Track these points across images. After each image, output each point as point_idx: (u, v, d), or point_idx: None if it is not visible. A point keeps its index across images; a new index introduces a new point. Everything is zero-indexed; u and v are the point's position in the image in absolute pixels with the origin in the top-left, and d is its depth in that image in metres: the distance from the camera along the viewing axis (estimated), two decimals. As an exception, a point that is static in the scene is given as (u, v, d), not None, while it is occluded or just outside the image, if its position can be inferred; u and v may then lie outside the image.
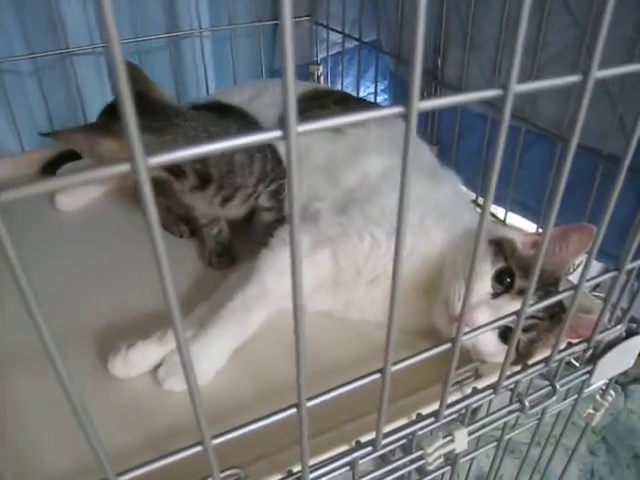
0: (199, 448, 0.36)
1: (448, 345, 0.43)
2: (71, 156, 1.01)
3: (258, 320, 0.66)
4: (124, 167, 0.23)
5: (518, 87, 0.32)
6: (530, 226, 0.95)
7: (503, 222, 0.90)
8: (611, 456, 1.36)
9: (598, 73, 0.34)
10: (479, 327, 0.46)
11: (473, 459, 1.13)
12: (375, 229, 0.67)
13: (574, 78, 0.35)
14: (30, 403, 0.61)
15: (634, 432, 1.39)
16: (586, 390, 0.70)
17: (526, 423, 0.76)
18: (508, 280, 0.62)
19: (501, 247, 0.64)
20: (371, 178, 0.74)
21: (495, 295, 0.61)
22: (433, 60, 0.97)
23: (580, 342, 0.60)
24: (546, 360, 0.57)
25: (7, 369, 0.65)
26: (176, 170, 0.70)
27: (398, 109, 0.29)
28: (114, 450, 0.33)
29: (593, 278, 0.50)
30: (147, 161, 0.23)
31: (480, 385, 0.57)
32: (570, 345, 0.60)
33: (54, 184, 0.22)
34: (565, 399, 0.73)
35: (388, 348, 0.38)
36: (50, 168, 1.00)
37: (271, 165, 0.77)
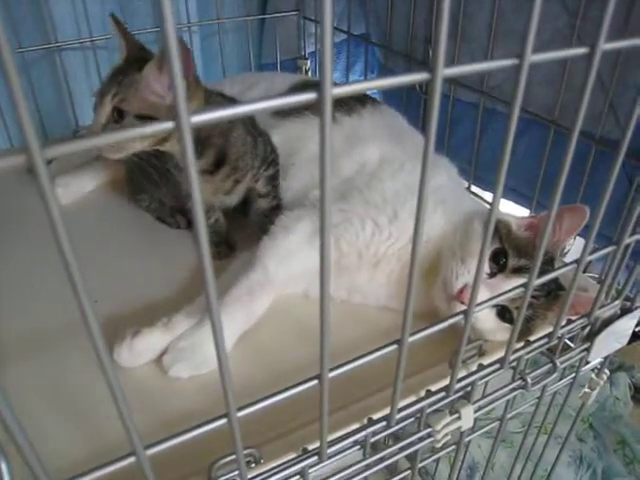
0: (224, 421, 0.36)
1: (460, 317, 0.44)
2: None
3: (263, 306, 0.66)
4: (168, 125, 0.23)
5: (534, 57, 0.33)
6: (521, 212, 0.96)
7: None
8: (598, 442, 1.38)
9: (607, 45, 0.35)
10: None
11: (467, 448, 1.14)
12: (377, 214, 0.68)
13: (582, 50, 0.36)
14: (30, 390, 0.60)
15: (619, 418, 1.42)
16: (583, 368, 0.72)
17: (523, 404, 0.78)
18: (503, 260, 0.64)
19: (497, 229, 0.65)
20: (369, 166, 0.75)
21: (491, 275, 0.63)
22: (424, 50, 0.98)
23: (579, 318, 0.62)
24: (549, 336, 0.59)
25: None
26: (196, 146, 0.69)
27: (423, 75, 0.30)
28: (124, 436, 0.33)
29: (594, 252, 0.52)
30: (190, 119, 0.23)
31: (484, 362, 0.58)
32: (570, 322, 0.62)
33: (98, 140, 0.23)
34: (561, 380, 0.74)
35: (406, 319, 0.39)
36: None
37: (270, 148, 0.78)
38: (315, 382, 0.38)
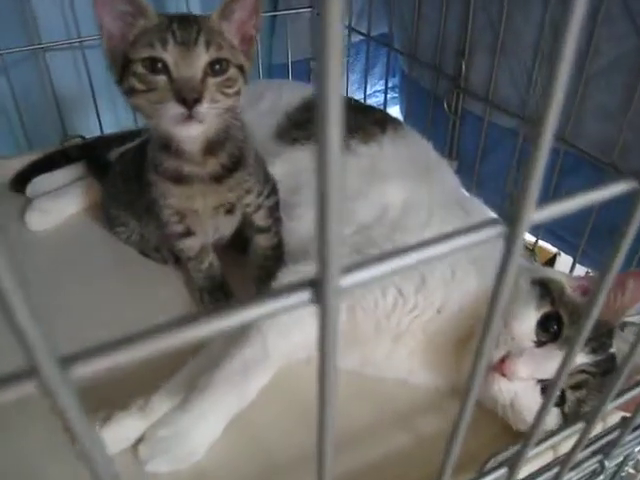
0: None
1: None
2: (44, 167, 0.90)
3: (258, 385, 0.56)
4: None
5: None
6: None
7: (532, 251, 0.80)
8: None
9: None
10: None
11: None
12: (402, 281, 0.57)
13: None
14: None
15: None
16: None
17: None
18: (555, 327, 0.54)
19: (547, 289, 0.56)
20: (391, 212, 0.64)
21: (539, 344, 0.54)
22: (456, 64, 0.85)
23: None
24: (620, 433, 0.47)
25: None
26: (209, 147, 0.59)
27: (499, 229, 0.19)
28: None
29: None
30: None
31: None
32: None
33: None
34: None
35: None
36: (20, 180, 0.89)
37: (268, 176, 0.68)
38: None
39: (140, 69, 0.51)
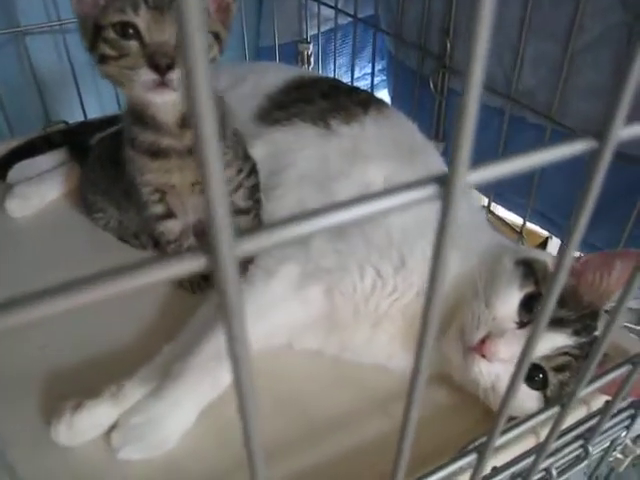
0: None
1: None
2: (25, 153, 0.88)
3: (234, 372, 0.54)
4: None
5: None
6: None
7: (520, 234, 0.78)
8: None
9: None
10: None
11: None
12: (380, 262, 0.56)
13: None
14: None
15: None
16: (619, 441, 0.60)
17: None
18: (538, 308, 0.52)
19: (532, 269, 0.55)
20: (373, 191, 0.62)
21: (522, 324, 0.52)
22: (441, 43, 0.83)
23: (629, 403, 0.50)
24: (599, 420, 0.46)
25: None
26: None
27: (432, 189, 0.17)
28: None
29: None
30: None
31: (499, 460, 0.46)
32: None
33: None
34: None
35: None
36: (1, 167, 0.87)
37: (248, 155, 0.66)
38: None
39: (111, 34, 0.49)
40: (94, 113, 1.02)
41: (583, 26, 0.61)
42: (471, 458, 0.34)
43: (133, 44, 0.49)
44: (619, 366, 0.41)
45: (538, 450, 0.40)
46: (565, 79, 0.65)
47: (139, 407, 0.52)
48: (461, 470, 0.35)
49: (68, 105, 1.04)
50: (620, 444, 0.64)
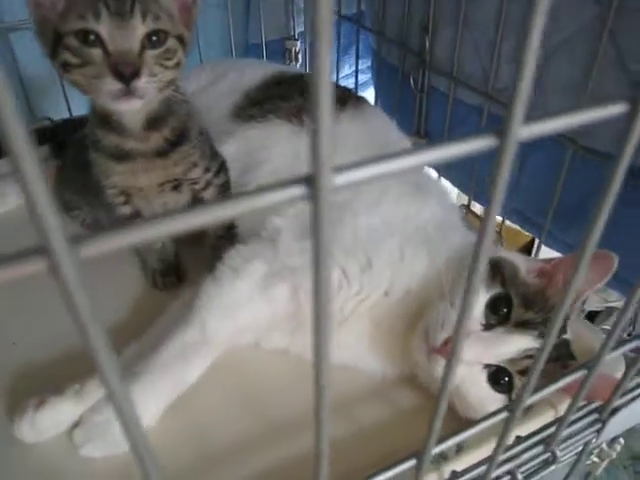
0: None
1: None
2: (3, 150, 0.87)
3: (198, 370, 0.54)
4: None
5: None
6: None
7: (499, 233, 0.78)
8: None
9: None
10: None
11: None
12: (346, 261, 0.55)
13: None
14: None
15: (631, 433, 1.30)
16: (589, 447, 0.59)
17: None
18: (504, 310, 0.52)
19: (498, 269, 0.54)
20: (342, 191, 0.61)
21: (487, 326, 0.52)
22: (420, 40, 0.82)
23: (593, 408, 0.49)
24: (557, 426, 0.45)
25: None
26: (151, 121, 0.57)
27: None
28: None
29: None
30: None
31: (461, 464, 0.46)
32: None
33: None
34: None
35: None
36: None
37: (216, 153, 0.65)
38: None
39: (73, 42, 0.47)
40: (80, 110, 1.01)
41: (559, 23, 0.60)
42: (411, 463, 0.33)
43: (96, 52, 0.47)
44: (574, 371, 0.40)
45: (490, 456, 0.40)
46: (540, 76, 0.64)
47: (102, 405, 0.52)
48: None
49: (54, 102, 1.03)
50: (595, 448, 0.64)
